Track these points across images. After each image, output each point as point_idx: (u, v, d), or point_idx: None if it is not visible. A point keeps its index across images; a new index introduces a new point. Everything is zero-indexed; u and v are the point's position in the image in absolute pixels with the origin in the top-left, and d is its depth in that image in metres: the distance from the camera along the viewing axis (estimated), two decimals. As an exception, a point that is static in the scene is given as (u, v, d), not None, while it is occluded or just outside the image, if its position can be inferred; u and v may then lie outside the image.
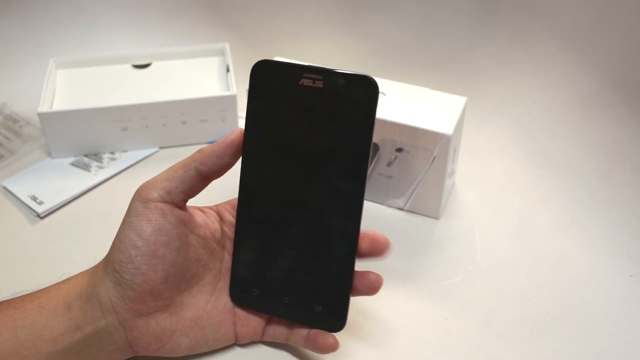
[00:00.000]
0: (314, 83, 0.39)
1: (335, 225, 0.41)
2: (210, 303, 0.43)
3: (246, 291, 0.43)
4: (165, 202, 0.40)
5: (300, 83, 0.39)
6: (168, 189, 0.40)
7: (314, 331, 0.42)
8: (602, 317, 0.48)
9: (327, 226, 0.41)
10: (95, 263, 0.43)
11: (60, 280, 0.43)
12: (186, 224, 0.42)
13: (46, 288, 0.42)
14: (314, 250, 0.41)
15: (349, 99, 0.39)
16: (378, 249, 0.41)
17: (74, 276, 0.43)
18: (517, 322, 0.47)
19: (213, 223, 0.44)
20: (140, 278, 0.40)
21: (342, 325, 0.42)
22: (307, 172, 0.40)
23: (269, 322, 0.44)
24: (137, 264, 0.39)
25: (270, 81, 0.40)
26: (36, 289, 0.42)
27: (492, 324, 0.47)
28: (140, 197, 0.41)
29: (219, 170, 0.42)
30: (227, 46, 0.71)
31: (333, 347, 0.42)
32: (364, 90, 0.39)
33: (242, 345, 0.45)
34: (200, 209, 0.45)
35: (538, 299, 0.49)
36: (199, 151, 0.41)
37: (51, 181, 0.61)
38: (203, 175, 0.41)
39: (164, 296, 0.41)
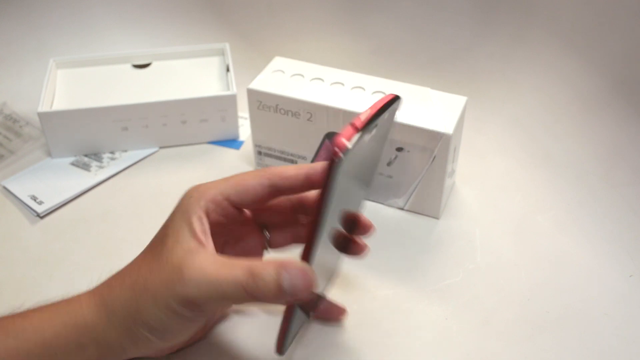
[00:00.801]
0: (372, 132, 0.36)
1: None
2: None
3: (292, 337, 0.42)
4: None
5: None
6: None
7: (323, 305, 0.45)
8: (603, 317, 0.48)
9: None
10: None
11: (59, 306, 0.39)
12: None
13: (53, 323, 0.38)
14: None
15: (389, 121, 0.40)
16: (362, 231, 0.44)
17: (83, 312, 0.39)
18: (517, 321, 0.47)
19: None
20: (162, 346, 0.39)
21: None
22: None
23: None
24: (165, 343, 0.38)
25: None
26: (35, 306, 0.40)
27: (492, 323, 0.47)
28: (178, 297, 0.36)
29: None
30: (227, 46, 0.71)
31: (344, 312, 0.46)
32: (396, 109, 0.39)
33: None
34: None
35: (538, 299, 0.49)
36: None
37: (51, 181, 0.61)
38: None
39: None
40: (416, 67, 0.72)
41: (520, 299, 0.49)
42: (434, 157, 0.52)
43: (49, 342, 0.37)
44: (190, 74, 0.69)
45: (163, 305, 0.36)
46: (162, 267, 0.37)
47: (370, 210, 0.57)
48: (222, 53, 0.72)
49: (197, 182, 0.44)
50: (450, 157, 0.53)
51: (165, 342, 0.38)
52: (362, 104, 0.54)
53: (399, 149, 0.54)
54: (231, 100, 0.63)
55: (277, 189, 0.40)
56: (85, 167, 0.62)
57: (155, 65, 0.70)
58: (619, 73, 0.61)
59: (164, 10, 0.80)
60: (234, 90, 0.64)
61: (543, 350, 0.45)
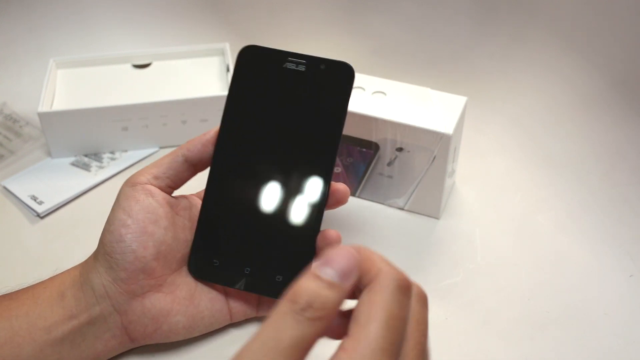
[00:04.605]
0: (297, 67, 0.44)
1: (304, 193, 0.43)
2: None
3: (206, 263, 0.44)
4: (152, 184, 0.43)
5: (284, 67, 0.44)
6: (155, 174, 0.43)
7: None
8: (603, 317, 0.48)
9: (297, 194, 0.43)
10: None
11: (54, 274, 0.44)
12: (172, 206, 0.44)
13: (40, 282, 0.43)
14: (281, 218, 0.43)
15: (328, 82, 0.43)
16: (339, 199, 0.44)
17: (67, 269, 0.44)
18: (517, 321, 0.47)
19: (197, 207, 0.46)
20: (131, 256, 0.40)
21: None
22: (282, 143, 0.44)
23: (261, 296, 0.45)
24: (128, 242, 0.41)
25: (255, 64, 0.45)
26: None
27: (492, 323, 0.47)
28: (128, 183, 0.43)
29: (204, 159, 0.44)
30: (227, 46, 0.71)
31: None
32: (341, 75, 0.44)
33: (237, 326, 0.45)
34: (184, 196, 0.46)
35: (538, 299, 0.49)
36: (187, 142, 0.45)
37: (51, 181, 0.61)
38: (189, 162, 0.44)
39: (156, 274, 0.42)
40: (416, 67, 0.72)
41: (520, 299, 0.49)
42: (434, 157, 0.52)
43: (37, 294, 0.42)
44: (190, 74, 0.69)
45: (117, 200, 0.43)
46: None
47: (370, 210, 0.57)
48: (222, 53, 0.72)
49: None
50: (450, 157, 0.53)
51: (123, 256, 0.41)
52: (362, 104, 0.54)
53: (399, 149, 0.54)
54: (231, 100, 0.63)
55: (189, 161, 0.44)
56: (85, 167, 0.62)
57: (155, 65, 0.70)
58: (619, 73, 0.61)
59: (164, 10, 0.80)
60: (234, 90, 0.64)
61: (543, 350, 0.45)
